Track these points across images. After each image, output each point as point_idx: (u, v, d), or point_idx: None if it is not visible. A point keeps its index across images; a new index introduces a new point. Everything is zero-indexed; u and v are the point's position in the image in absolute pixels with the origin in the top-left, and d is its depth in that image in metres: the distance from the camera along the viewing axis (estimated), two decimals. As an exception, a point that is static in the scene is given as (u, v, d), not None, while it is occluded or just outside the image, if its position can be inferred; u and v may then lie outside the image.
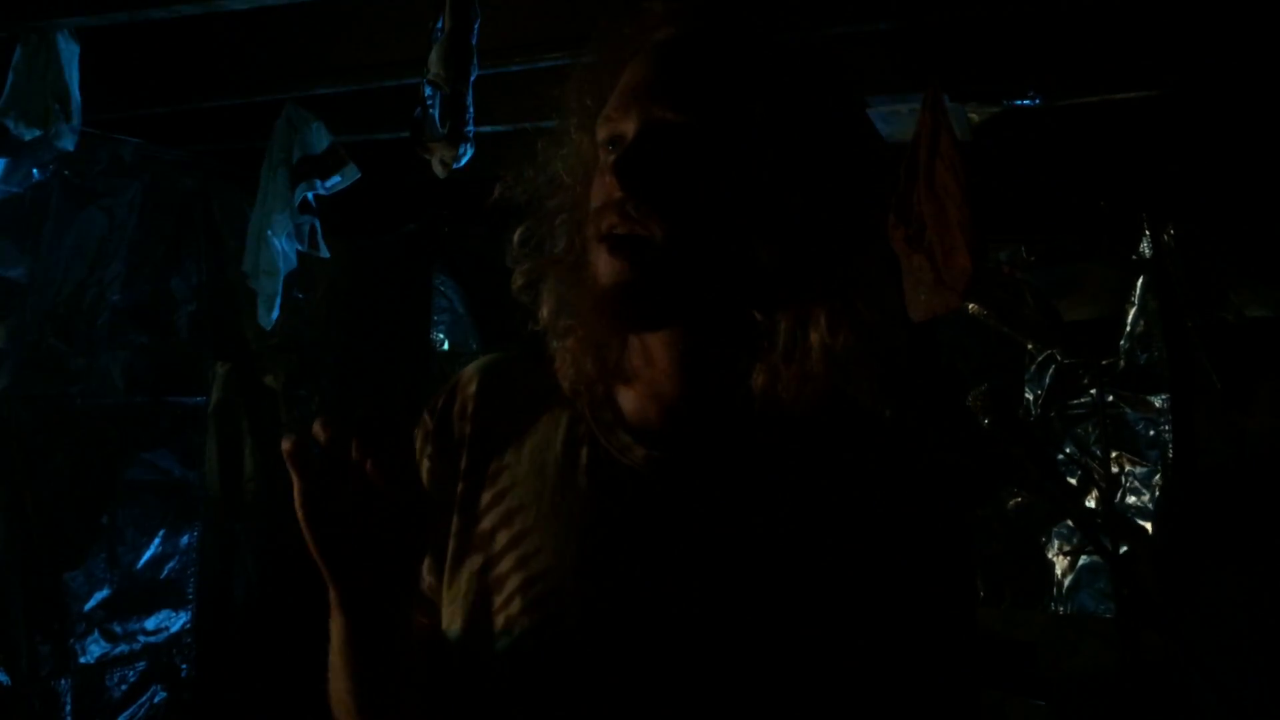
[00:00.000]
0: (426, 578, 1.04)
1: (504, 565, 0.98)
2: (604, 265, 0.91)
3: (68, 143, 2.91)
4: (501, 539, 0.99)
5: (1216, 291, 4.07)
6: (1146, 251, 4.24)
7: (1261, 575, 3.78)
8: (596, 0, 2.84)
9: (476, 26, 2.56)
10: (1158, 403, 4.21)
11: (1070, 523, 4.25)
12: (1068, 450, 4.36)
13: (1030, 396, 4.46)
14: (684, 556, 0.93)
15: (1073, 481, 4.31)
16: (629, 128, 0.91)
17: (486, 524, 1.01)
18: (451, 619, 1.01)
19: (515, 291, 1.02)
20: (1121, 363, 4.29)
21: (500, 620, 0.96)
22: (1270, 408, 3.43)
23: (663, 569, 0.93)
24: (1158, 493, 4.18)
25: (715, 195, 0.89)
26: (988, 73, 3.13)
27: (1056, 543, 4.37)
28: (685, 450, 0.97)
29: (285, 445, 0.87)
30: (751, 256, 0.91)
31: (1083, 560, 4.28)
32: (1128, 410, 4.27)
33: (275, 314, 3.63)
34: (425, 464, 1.06)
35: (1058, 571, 4.36)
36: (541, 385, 1.04)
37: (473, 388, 1.08)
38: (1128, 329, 4.28)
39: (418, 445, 1.08)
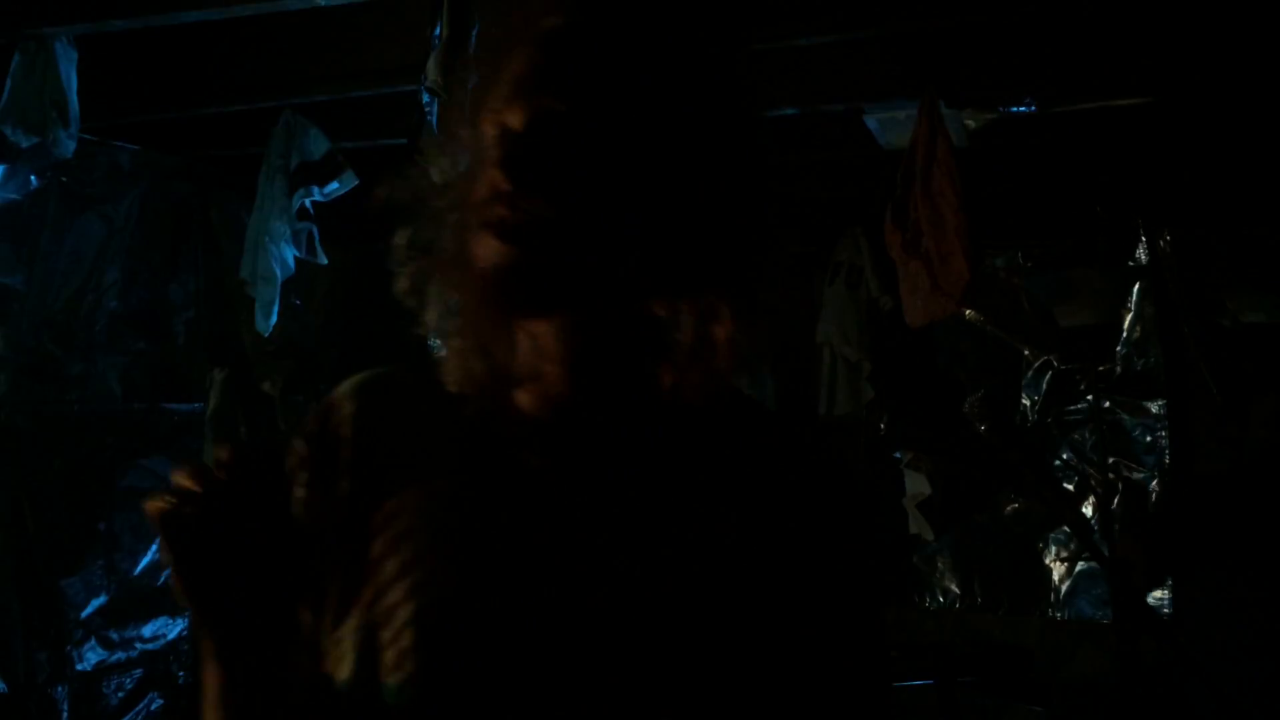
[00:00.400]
0: (306, 619, 0.95)
1: (393, 596, 0.91)
2: (490, 250, 0.87)
3: (65, 149, 2.91)
4: (390, 568, 0.92)
5: (1213, 297, 4.08)
6: (1143, 257, 4.25)
7: (1258, 579, 3.78)
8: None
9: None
10: (1154, 408, 4.22)
11: (1067, 529, 4.25)
12: (1065, 456, 4.36)
13: (1027, 402, 4.47)
14: (589, 570, 0.89)
15: (1070, 487, 4.31)
16: (515, 119, 0.88)
17: (373, 554, 0.93)
18: (339, 660, 0.93)
19: (401, 296, 0.97)
20: (1118, 369, 4.29)
21: (391, 655, 0.90)
22: (1265, 423, 3.44)
23: (567, 585, 0.88)
24: (1155, 498, 4.19)
25: (606, 186, 0.87)
26: (984, 79, 3.14)
27: (1054, 549, 4.38)
28: (585, 456, 0.93)
29: (152, 507, 0.84)
30: (649, 248, 0.88)
31: (1080, 566, 4.28)
32: (1125, 416, 4.27)
33: (273, 320, 3.63)
34: (300, 494, 0.97)
35: (1055, 577, 4.36)
36: (428, 399, 0.98)
37: (350, 407, 1.01)
38: (1124, 335, 4.29)
39: (292, 473, 1.00)
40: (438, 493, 0.94)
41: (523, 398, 0.95)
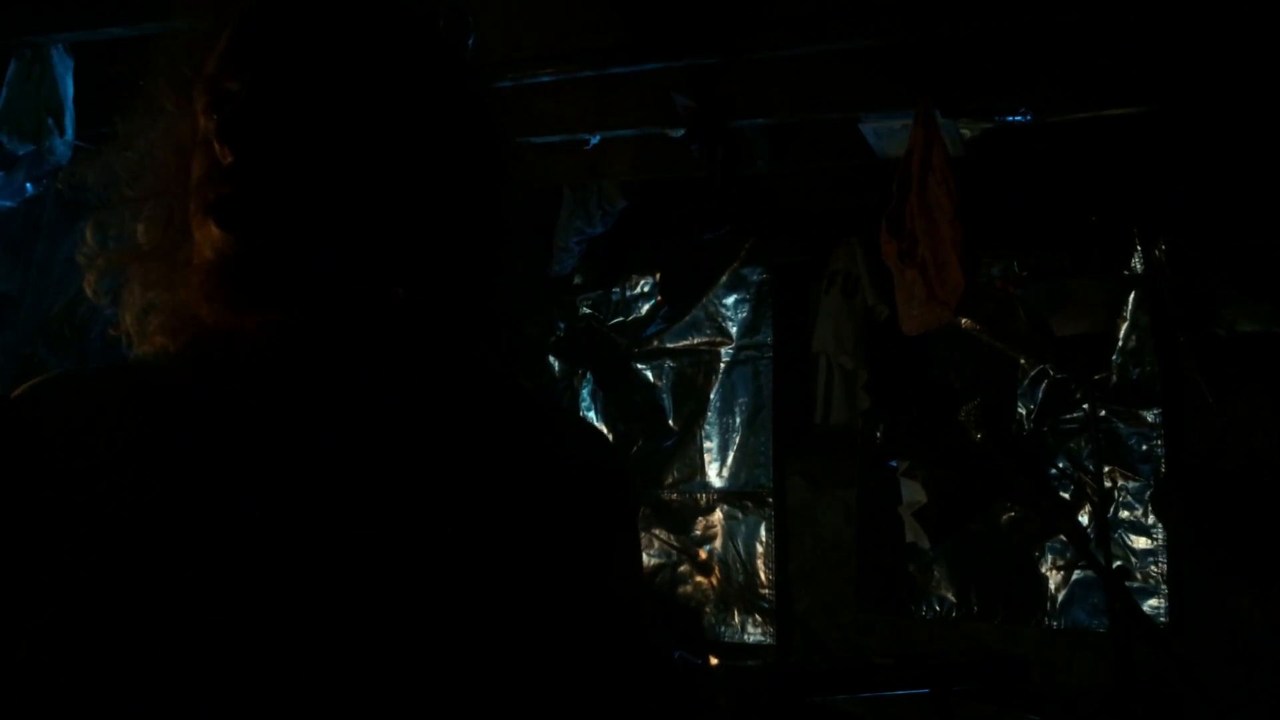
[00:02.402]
0: None
1: (125, 659, 0.74)
2: (213, 239, 0.79)
3: (61, 156, 2.91)
4: (117, 627, 0.74)
5: (1208, 306, 4.08)
6: (1138, 267, 4.26)
7: (1255, 588, 3.79)
8: (587, 18, 2.86)
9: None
10: (1150, 417, 4.22)
11: (1063, 537, 4.26)
12: (1060, 465, 4.37)
13: (1023, 411, 4.47)
14: (353, 579, 0.79)
15: (1065, 496, 4.31)
16: (238, 87, 0.81)
17: (90, 615, 0.75)
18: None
19: (91, 295, 0.88)
20: (1113, 377, 4.30)
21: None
22: (1247, 432, 3.46)
23: (334, 597, 0.78)
24: (1150, 507, 4.19)
25: (337, 160, 0.80)
26: (979, 89, 3.15)
27: (1050, 557, 4.37)
28: (329, 452, 0.83)
29: None
30: (386, 227, 0.82)
31: (1076, 575, 4.28)
32: (1120, 425, 4.28)
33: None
34: None
35: (1051, 586, 4.36)
36: (132, 407, 0.83)
37: (40, 426, 0.82)
38: (1120, 344, 4.29)
39: None
40: (167, 522, 0.77)
41: (253, 396, 0.84)
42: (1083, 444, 4.33)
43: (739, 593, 5.00)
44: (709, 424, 5.17)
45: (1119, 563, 4.10)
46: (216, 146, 0.79)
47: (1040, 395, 4.43)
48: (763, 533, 4.97)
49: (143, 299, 0.87)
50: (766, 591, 4.93)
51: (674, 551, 5.15)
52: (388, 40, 0.85)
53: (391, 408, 0.86)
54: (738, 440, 5.09)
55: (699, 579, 5.09)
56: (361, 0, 0.86)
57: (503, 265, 0.91)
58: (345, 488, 0.82)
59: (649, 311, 5.31)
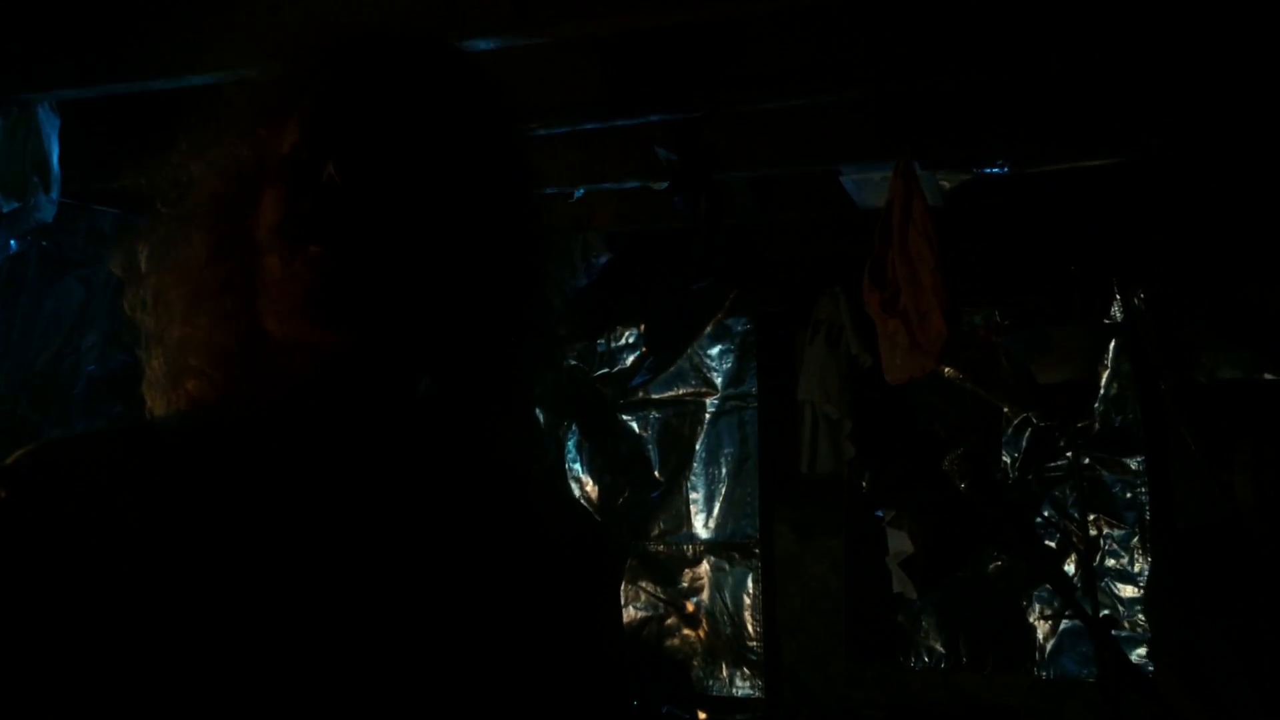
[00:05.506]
0: None
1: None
2: (309, 257, 0.79)
3: (46, 214, 2.91)
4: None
5: (1188, 354, 4.11)
6: (1118, 314, 4.29)
7: (1245, 636, 3.77)
8: (571, 74, 2.89)
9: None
10: (1133, 465, 4.24)
11: (1050, 586, 4.25)
12: (1046, 513, 4.37)
13: (1007, 459, 4.48)
14: (348, 635, 0.79)
15: (1051, 544, 4.31)
16: (334, 138, 0.82)
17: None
18: None
19: (129, 310, 0.90)
20: (1097, 425, 4.32)
21: None
22: (1245, 466, 3.46)
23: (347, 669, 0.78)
24: (1136, 555, 4.19)
25: (428, 203, 0.83)
26: (958, 141, 3.19)
27: (1038, 606, 4.36)
28: (337, 515, 0.83)
29: None
30: (452, 275, 0.85)
31: (1064, 624, 4.27)
32: (1104, 472, 4.29)
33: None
34: None
35: (1039, 635, 4.35)
36: (137, 475, 0.82)
37: (37, 494, 0.80)
38: (1102, 391, 4.32)
39: None
40: (152, 579, 0.76)
41: (291, 455, 0.84)
42: (1067, 492, 4.34)
43: (727, 645, 4.96)
44: (695, 475, 5.16)
45: (1106, 611, 4.10)
46: (329, 171, 0.80)
47: (1024, 443, 4.45)
48: (750, 584, 4.95)
49: (181, 330, 0.88)
50: (754, 643, 4.90)
51: (661, 604, 5.11)
52: (470, 94, 0.89)
53: (409, 479, 0.87)
54: (724, 491, 5.08)
55: (686, 631, 5.06)
56: (445, 55, 0.90)
57: (540, 342, 0.95)
58: (348, 555, 0.82)
59: (634, 362, 5.31)
